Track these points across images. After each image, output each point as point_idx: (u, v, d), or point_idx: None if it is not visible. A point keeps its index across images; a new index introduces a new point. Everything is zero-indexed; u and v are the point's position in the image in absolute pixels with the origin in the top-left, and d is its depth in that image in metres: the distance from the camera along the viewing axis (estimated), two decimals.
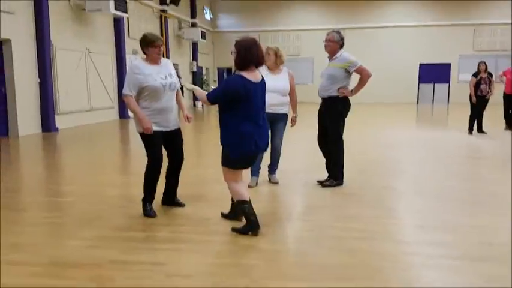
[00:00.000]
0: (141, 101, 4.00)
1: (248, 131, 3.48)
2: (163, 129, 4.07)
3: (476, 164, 6.60)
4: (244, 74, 3.48)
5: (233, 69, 3.79)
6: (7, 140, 9.63)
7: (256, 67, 3.55)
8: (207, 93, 3.59)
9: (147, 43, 3.98)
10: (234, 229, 3.66)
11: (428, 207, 4.36)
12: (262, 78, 3.63)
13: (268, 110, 5.18)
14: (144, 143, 4.08)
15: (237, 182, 3.66)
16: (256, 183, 5.25)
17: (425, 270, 2.95)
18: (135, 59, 4.05)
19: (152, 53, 3.99)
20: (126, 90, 3.92)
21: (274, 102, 5.13)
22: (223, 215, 3.99)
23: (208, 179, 5.67)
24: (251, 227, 3.58)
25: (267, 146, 3.78)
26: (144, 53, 4.06)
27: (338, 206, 4.40)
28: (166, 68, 4.08)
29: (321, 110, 5.21)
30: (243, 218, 3.67)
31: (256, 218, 3.59)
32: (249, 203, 3.61)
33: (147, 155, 4.08)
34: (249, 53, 3.47)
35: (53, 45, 11.04)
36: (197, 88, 3.82)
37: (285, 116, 5.26)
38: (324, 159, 5.35)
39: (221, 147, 3.65)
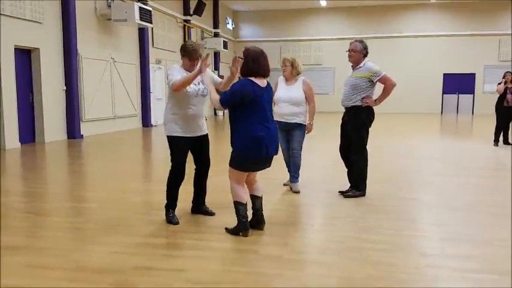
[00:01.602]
0: (170, 106, 4.08)
1: (259, 136, 3.58)
2: (191, 135, 4.12)
3: (502, 176, 6.44)
4: (252, 78, 3.63)
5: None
6: (33, 146, 9.86)
7: (263, 77, 3.70)
8: (219, 98, 3.68)
9: (185, 53, 4.06)
10: (227, 229, 3.82)
11: (453, 220, 4.28)
12: (268, 84, 3.78)
13: (281, 119, 5.25)
14: (170, 146, 4.14)
15: (240, 183, 3.77)
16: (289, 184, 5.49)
17: (451, 284, 2.89)
18: (173, 67, 4.14)
19: (186, 66, 4.08)
20: (174, 79, 3.88)
21: (285, 112, 5.23)
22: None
23: (228, 187, 5.66)
24: (242, 228, 3.72)
25: (277, 151, 3.84)
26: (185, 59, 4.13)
27: (361, 217, 4.35)
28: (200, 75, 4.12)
29: (344, 119, 5.19)
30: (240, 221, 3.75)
31: (247, 220, 3.75)
32: (245, 205, 3.74)
33: (171, 160, 4.13)
34: (256, 64, 3.64)
35: (79, 54, 11.31)
36: (213, 89, 3.87)
37: (300, 125, 5.30)
38: (346, 169, 5.31)
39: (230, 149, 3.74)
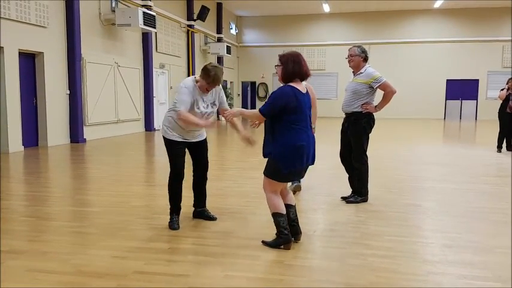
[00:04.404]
0: (172, 115, 4.04)
1: (301, 145, 3.43)
2: (188, 140, 4.13)
3: (505, 183, 6.42)
4: (292, 84, 3.46)
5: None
6: (36, 149, 9.89)
7: (301, 80, 3.52)
8: (258, 109, 3.51)
9: (206, 77, 3.87)
10: (264, 243, 3.64)
11: (456, 227, 4.26)
12: (307, 91, 3.59)
13: None
14: (167, 151, 4.14)
15: (276, 193, 3.60)
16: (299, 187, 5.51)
17: None
18: (190, 79, 4.01)
19: (202, 85, 3.93)
20: (181, 108, 3.84)
21: None
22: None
23: (231, 192, 5.69)
24: (284, 241, 3.55)
25: (314, 160, 3.66)
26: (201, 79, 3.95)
27: (363, 223, 4.34)
28: (212, 97, 4.07)
29: (344, 125, 5.19)
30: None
31: (289, 232, 3.57)
32: (285, 216, 3.57)
33: (170, 164, 4.13)
34: (297, 65, 3.45)
35: (83, 58, 11.36)
36: (243, 110, 3.72)
37: None
38: (347, 175, 5.30)
39: (264, 159, 3.60)
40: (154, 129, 14.93)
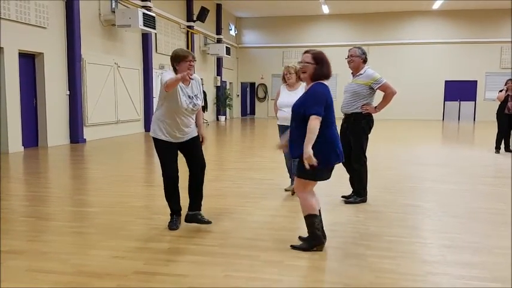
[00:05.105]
0: (159, 111, 4.01)
1: (335, 140, 3.43)
2: (175, 141, 4.04)
3: (503, 184, 6.44)
4: (322, 81, 3.49)
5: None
6: (36, 150, 9.90)
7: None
8: (310, 120, 3.30)
9: (179, 59, 3.92)
10: (294, 247, 3.57)
11: (454, 227, 4.27)
12: None
13: (284, 123, 5.34)
14: (157, 153, 4.08)
15: (311, 193, 3.55)
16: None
17: None
18: (166, 71, 3.99)
19: (183, 68, 3.89)
20: (165, 80, 3.76)
21: (288, 116, 5.29)
22: (301, 239, 3.73)
23: (229, 192, 5.70)
24: (318, 242, 3.51)
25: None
26: (174, 69, 3.97)
27: (362, 224, 4.35)
28: (193, 88, 4.05)
29: (344, 125, 5.20)
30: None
31: (322, 232, 3.53)
32: (319, 216, 3.52)
33: (161, 164, 4.08)
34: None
35: (83, 59, 11.37)
36: (307, 143, 3.29)
37: None
38: (348, 175, 5.32)
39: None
40: None
